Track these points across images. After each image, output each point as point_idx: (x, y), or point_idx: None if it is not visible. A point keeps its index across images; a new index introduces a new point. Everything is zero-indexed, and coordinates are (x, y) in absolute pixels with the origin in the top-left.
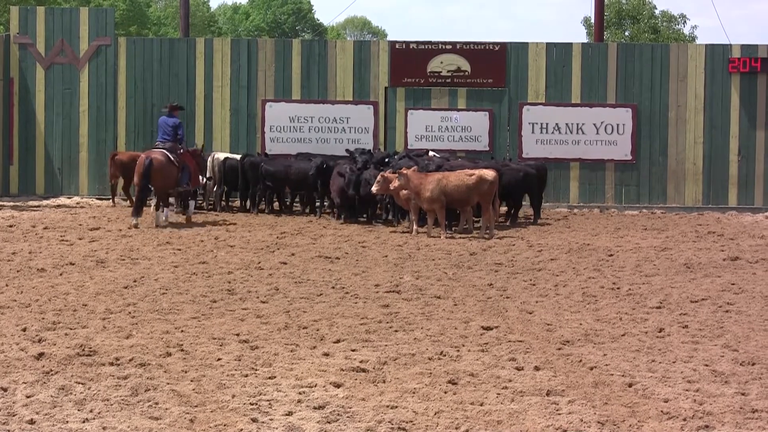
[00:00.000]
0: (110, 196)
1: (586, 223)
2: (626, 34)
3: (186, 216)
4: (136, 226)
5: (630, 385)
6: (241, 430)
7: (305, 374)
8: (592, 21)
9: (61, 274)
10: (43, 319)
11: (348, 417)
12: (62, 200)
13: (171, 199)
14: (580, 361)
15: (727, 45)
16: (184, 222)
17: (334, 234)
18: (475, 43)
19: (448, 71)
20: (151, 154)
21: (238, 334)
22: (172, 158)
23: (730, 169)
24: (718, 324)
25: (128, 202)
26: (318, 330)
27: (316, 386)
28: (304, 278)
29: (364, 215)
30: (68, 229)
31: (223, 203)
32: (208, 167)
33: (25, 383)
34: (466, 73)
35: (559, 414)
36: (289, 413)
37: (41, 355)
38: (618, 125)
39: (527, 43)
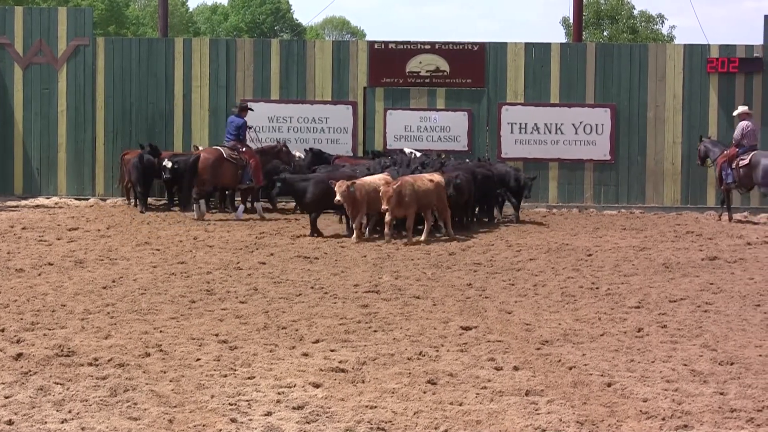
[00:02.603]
0: (125, 197)
1: (565, 223)
2: (605, 34)
3: (258, 214)
4: (199, 217)
5: (609, 385)
6: (220, 430)
7: (284, 374)
8: (571, 21)
9: (39, 275)
10: (21, 319)
11: (327, 417)
12: (41, 200)
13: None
14: (559, 360)
15: (705, 45)
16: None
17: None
18: (453, 43)
19: (427, 71)
20: (202, 152)
21: (217, 335)
22: (227, 156)
23: (708, 170)
24: (697, 324)
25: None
26: (297, 330)
27: (295, 386)
28: (283, 278)
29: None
30: (47, 230)
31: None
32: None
33: (3, 384)
34: (445, 73)
35: (538, 414)
36: (268, 413)
37: (19, 355)
38: (597, 125)
39: (506, 43)
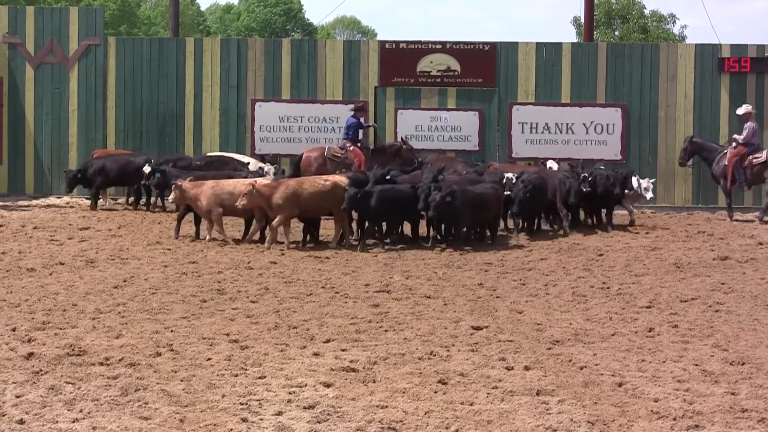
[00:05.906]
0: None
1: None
2: (616, 33)
3: None
4: None
5: (620, 385)
6: (231, 430)
7: (295, 374)
8: (582, 21)
9: (50, 274)
10: (32, 319)
11: (338, 417)
12: (52, 200)
13: None
14: (570, 360)
15: (716, 45)
16: None
17: (322, 234)
18: (464, 43)
19: (438, 71)
20: (306, 151)
21: (228, 334)
22: (329, 154)
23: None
24: (708, 324)
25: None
26: (308, 330)
27: (306, 386)
28: (294, 278)
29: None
30: (58, 229)
31: None
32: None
33: (14, 383)
34: (456, 72)
35: (549, 414)
36: (279, 413)
37: (31, 354)
38: (608, 125)
39: (517, 43)
